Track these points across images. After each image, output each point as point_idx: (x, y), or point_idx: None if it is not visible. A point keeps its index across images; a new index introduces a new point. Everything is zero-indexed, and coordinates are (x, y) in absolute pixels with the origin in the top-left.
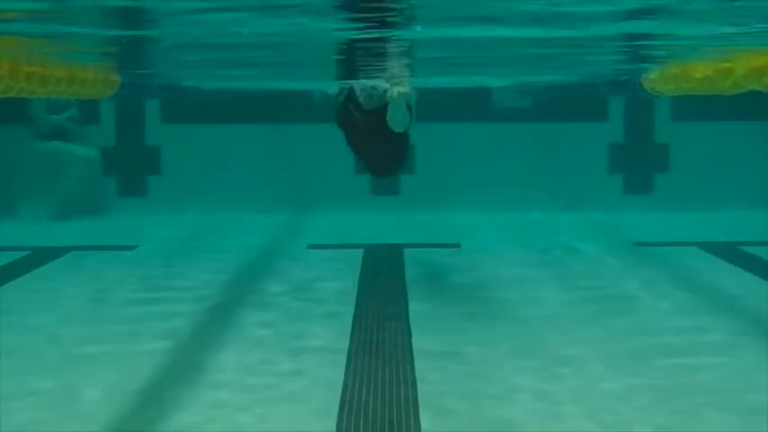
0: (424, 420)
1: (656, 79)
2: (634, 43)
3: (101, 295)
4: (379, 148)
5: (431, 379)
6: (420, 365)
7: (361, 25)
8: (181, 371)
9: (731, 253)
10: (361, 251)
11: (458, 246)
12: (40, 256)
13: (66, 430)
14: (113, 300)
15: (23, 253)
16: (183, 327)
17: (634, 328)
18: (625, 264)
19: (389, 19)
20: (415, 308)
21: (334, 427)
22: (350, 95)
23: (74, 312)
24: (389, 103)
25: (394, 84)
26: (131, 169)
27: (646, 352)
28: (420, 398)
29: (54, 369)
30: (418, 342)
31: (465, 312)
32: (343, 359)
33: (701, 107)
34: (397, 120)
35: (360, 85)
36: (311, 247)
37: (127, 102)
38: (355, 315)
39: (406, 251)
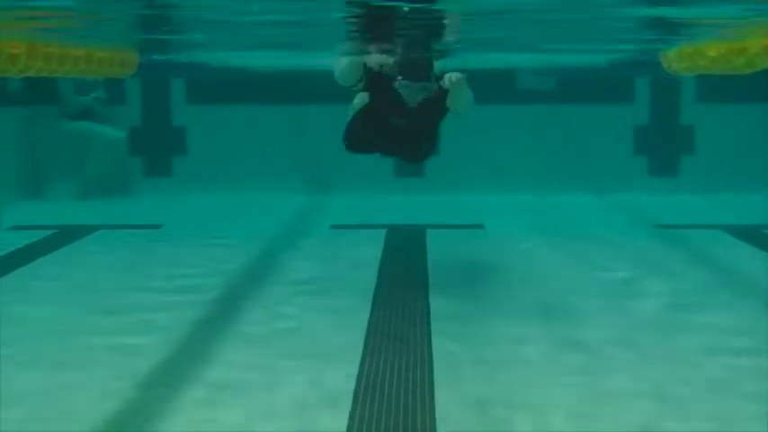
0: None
1: (672, 58)
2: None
3: (128, 269)
4: (416, 144)
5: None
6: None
7: None
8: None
9: (755, 236)
10: (383, 231)
11: (482, 227)
12: (66, 235)
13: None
14: (141, 275)
15: (50, 232)
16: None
17: (664, 313)
18: (649, 246)
19: None
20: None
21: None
22: (378, 104)
23: (100, 286)
24: (450, 89)
25: (443, 72)
26: (157, 149)
27: (677, 339)
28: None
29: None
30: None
31: (486, 287)
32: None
33: (726, 89)
34: (463, 101)
35: (399, 80)
36: (334, 227)
37: (152, 82)
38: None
39: (429, 232)
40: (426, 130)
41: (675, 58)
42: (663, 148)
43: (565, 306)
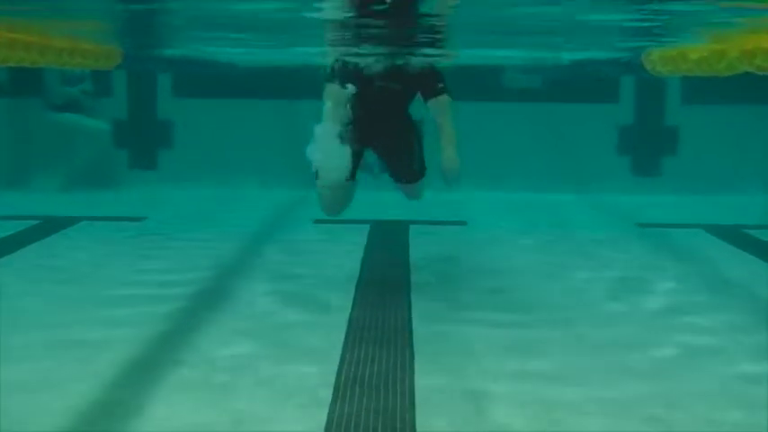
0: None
1: (655, 60)
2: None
3: (106, 262)
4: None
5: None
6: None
7: None
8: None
9: (737, 236)
10: (367, 227)
11: (464, 224)
12: (49, 226)
13: None
14: (119, 267)
15: (34, 222)
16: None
17: (645, 309)
18: (630, 245)
19: None
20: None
21: None
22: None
23: (83, 276)
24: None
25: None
26: (142, 142)
27: (649, 333)
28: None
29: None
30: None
31: (466, 285)
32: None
33: (711, 91)
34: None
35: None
36: (317, 222)
37: (139, 75)
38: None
39: (412, 228)
40: (405, 120)
41: (658, 61)
42: (646, 148)
43: (543, 303)
